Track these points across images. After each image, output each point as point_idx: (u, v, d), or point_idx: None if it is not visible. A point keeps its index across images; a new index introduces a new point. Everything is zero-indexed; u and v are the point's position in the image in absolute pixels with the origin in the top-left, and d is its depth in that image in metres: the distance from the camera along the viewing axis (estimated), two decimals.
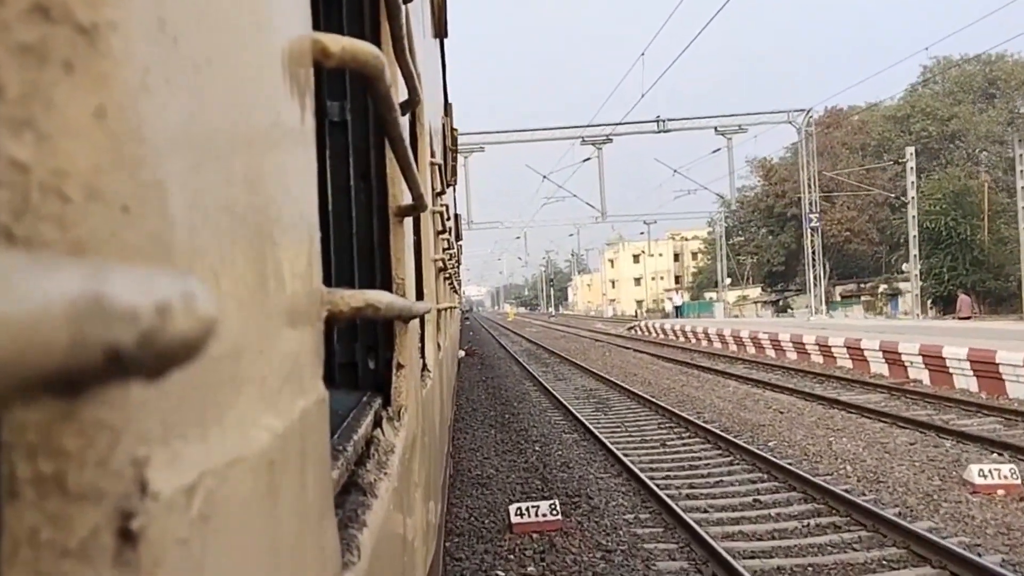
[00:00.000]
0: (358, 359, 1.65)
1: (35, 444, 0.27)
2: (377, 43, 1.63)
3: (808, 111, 39.34)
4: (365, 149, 1.73)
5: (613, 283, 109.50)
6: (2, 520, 0.27)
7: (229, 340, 0.43)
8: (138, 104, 0.33)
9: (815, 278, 39.11)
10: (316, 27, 1.62)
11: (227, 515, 0.39)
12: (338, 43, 0.74)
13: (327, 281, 1.68)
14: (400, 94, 1.62)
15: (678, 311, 52.55)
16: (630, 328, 45.62)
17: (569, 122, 47.77)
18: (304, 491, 0.57)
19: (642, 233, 72.98)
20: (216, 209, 0.43)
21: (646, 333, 40.91)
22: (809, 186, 38.53)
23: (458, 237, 12.94)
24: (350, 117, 1.74)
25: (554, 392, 16.71)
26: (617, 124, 39.86)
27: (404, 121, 1.73)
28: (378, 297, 0.79)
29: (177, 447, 0.34)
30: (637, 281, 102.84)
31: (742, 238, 66.47)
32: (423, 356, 2.29)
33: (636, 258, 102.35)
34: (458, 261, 11.79)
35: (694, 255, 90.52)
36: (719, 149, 40.87)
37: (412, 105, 1.68)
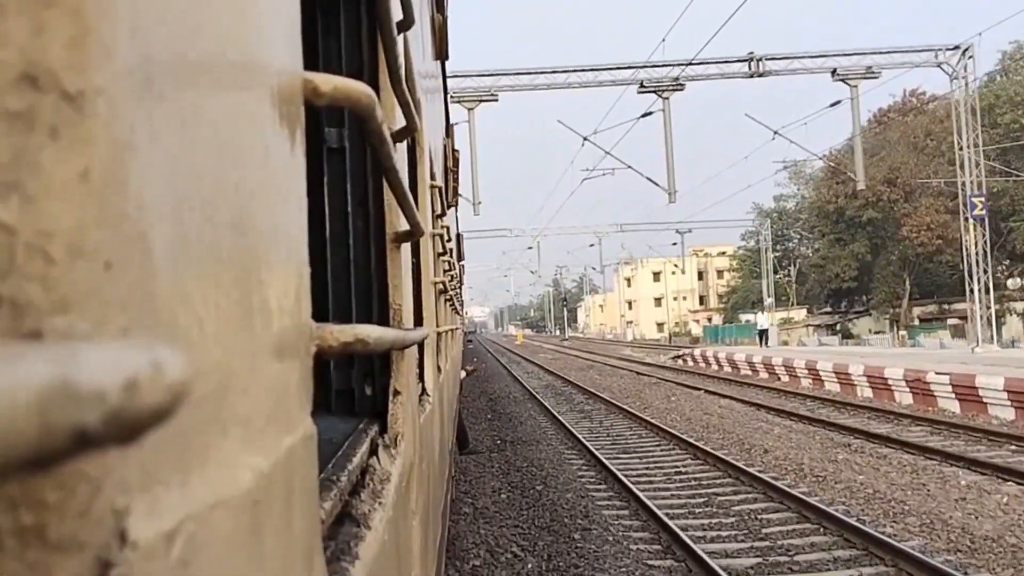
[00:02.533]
0: (354, 386, 1.65)
1: (16, 497, 0.28)
2: (374, 73, 1.66)
3: (966, 49, 26.01)
4: (363, 175, 1.75)
5: (630, 304, 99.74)
6: None
7: (214, 383, 0.44)
8: (123, 162, 0.34)
9: (984, 289, 26.30)
10: (314, 60, 1.65)
11: (208, 559, 0.40)
12: (329, 83, 0.75)
13: (323, 307, 1.70)
14: (398, 122, 1.64)
15: (762, 336, 39.85)
16: (676, 357, 37.36)
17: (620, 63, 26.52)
18: (290, 529, 0.57)
19: (675, 244, 62.38)
20: (201, 254, 0.44)
21: (702, 364, 32.34)
22: (970, 157, 26.44)
23: (460, 257, 12.94)
24: (348, 144, 1.76)
25: (635, 489, 9.17)
26: (687, 64, 25.99)
27: (403, 147, 1.75)
28: (368, 331, 0.80)
29: (158, 493, 0.35)
30: (658, 301, 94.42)
31: (779, 252, 60.16)
32: (422, 380, 2.29)
33: (656, 276, 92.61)
34: (460, 282, 11.78)
35: (719, 273, 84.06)
36: (839, 102, 27.02)
37: (410, 132, 1.70)
